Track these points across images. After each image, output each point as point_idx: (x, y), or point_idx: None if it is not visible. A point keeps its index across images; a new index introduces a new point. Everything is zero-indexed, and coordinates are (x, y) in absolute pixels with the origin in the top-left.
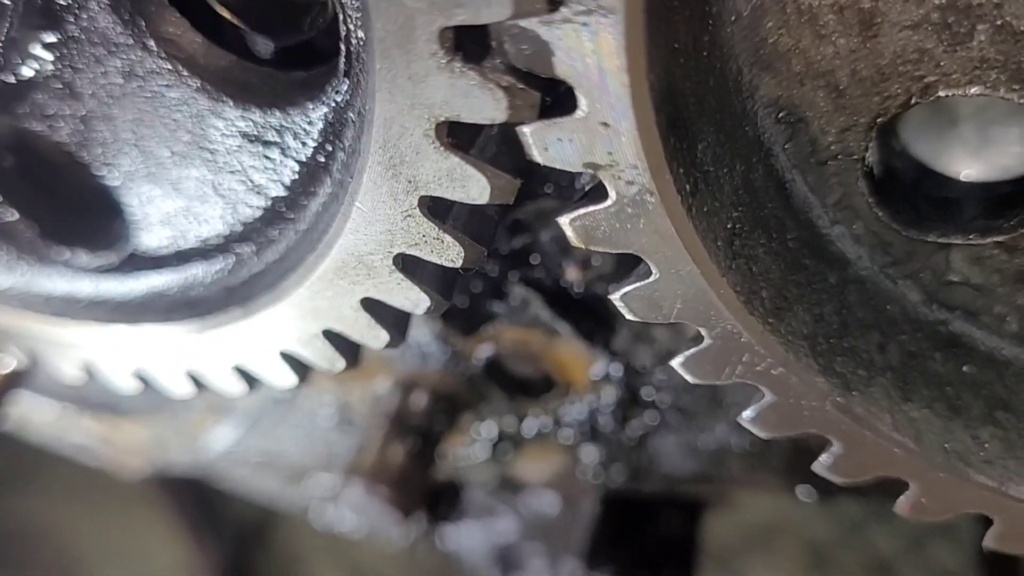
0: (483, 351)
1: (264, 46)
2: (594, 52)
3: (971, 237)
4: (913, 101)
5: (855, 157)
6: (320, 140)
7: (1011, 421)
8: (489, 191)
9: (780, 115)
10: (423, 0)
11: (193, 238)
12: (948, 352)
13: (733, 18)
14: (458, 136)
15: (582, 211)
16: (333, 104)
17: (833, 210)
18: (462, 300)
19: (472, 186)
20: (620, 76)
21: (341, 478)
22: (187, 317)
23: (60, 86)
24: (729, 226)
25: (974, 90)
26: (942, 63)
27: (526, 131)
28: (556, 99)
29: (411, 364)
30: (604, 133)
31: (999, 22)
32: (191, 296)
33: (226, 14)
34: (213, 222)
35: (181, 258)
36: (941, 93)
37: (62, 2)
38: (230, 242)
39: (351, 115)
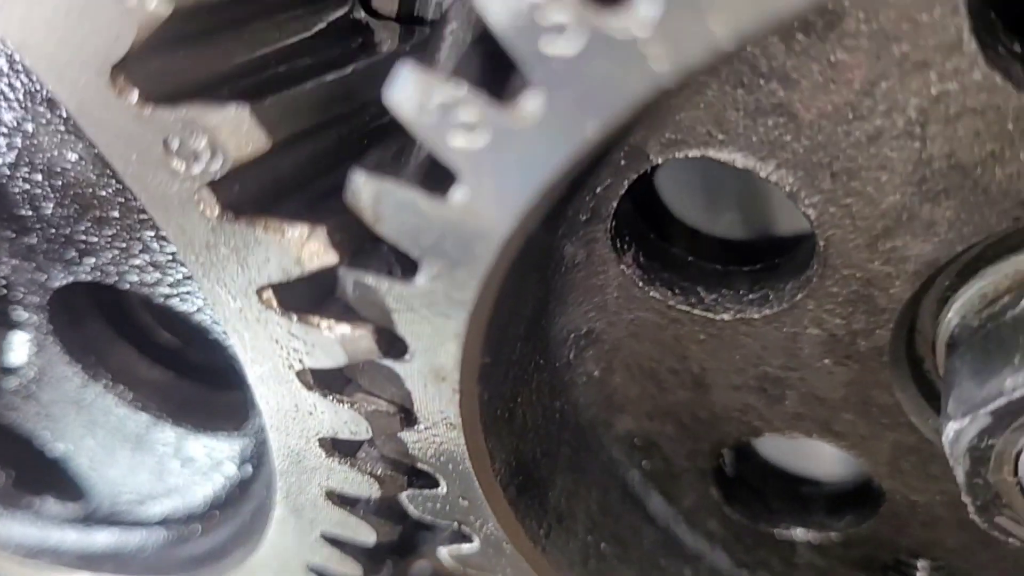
0: (418, 569)
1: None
2: (446, 450)
3: (811, 532)
4: (744, 439)
5: (705, 470)
6: (242, 459)
7: None
8: (375, 536)
9: (635, 442)
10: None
11: (142, 511)
12: None
13: (584, 379)
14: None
15: (454, 549)
16: (252, 434)
17: (688, 513)
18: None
19: (362, 533)
20: (469, 469)
21: None
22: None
23: (26, 395)
24: (585, 548)
25: (794, 434)
26: (764, 414)
27: (405, 499)
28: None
29: None
30: (464, 503)
31: (804, 390)
32: (143, 557)
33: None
34: (162, 502)
35: (133, 522)
36: (767, 434)
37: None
38: (172, 522)
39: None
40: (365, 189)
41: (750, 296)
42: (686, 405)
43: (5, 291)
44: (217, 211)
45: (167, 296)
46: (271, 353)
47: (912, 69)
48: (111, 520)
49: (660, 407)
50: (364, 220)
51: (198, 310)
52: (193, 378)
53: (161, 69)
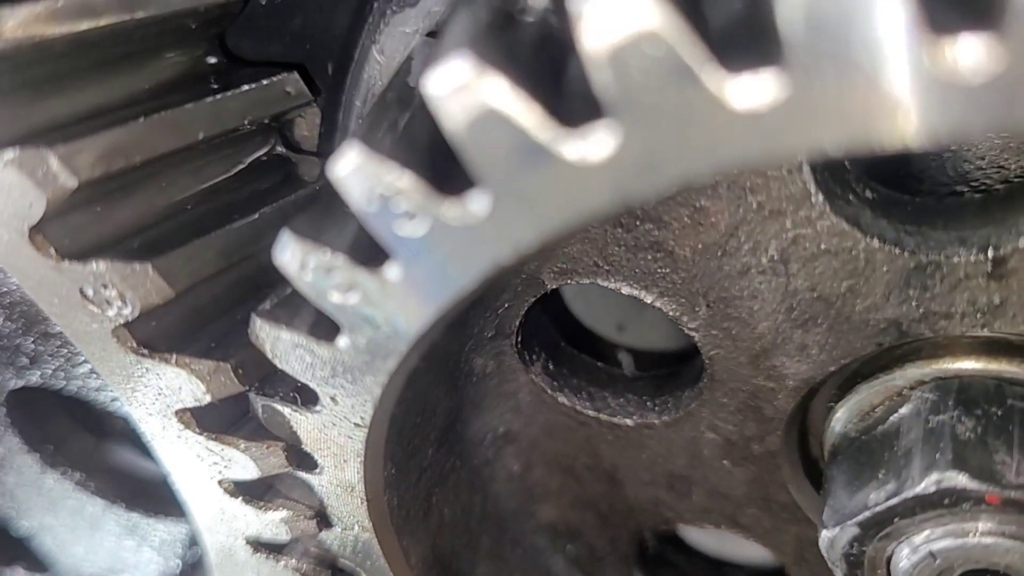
0: None
1: None
2: (363, 548)
3: None
4: (661, 527)
5: (628, 554)
6: (191, 542)
7: None
8: None
9: (557, 529)
10: None
11: None
12: None
13: (505, 474)
14: None
15: None
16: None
17: None
18: None
19: None
20: (384, 565)
21: None
22: None
23: None
24: None
25: (704, 526)
26: (674, 507)
27: None
28: None
29: None
30: None
31: (708, 487)
32: None
33: None
34: None
35: None
36: (679, 525)
37: None
38: None
39: None
40: (263, 333)
41: (651, 403)
42: (603, 497)
43: None
44: (132, 347)
45: (111, 400)
46: (194, 465)
47: (769, 216)
48: None
49: (579, 498)
50: (265, 356)
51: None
52: (145, 466)
53: (75, 227)
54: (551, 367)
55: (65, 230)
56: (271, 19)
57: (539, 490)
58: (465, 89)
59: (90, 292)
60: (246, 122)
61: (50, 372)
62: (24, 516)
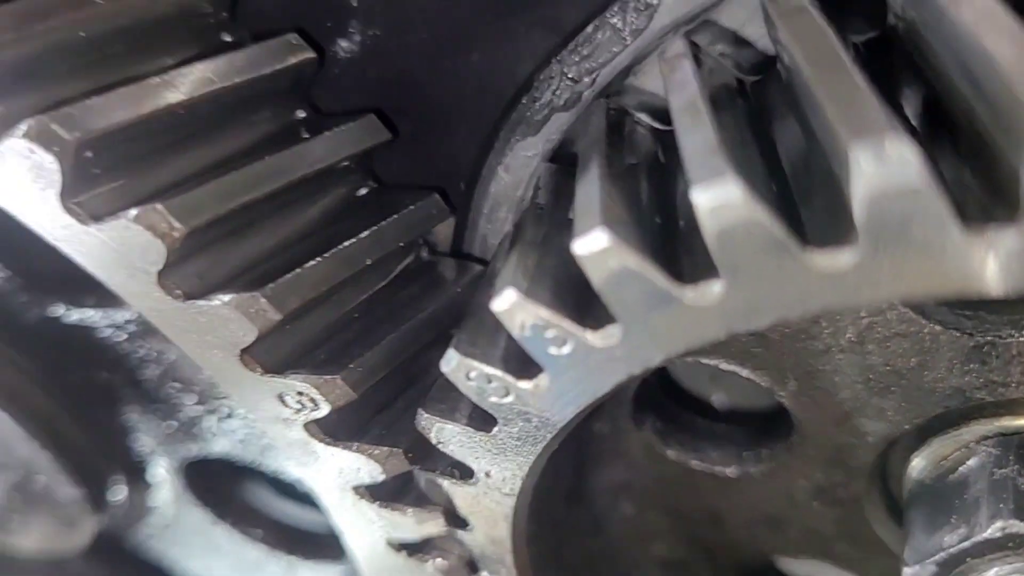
0: None
1: None
2: None
3: None
4: (761, 560)
5: None
6: None
7: None
8: None
9: (668, 564)
10: None
11: None
12: None
13: (620, 518)
14: None
15: None
16: None
17: None
18: None
19: None
20: None
21: None
22: None
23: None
24: None
25: (801, 558)
26: (773, 543)
27: None
28: None
29: None
30: None
31: (802, 526)
32: None
33: None
34: None
35: None
36: (778, 557)
37: None
38: None
39: None
40: (429, 424)
41: (748, 455)
42: (707, 535)
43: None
44: (320, 438)
45: (281, 468)
46: (364, 527)
47: (846, 307)
48: None
49: (686, 536)
50: (431, 442)
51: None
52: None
53: (275, 347)
54: (660, 426)
55: (267, 350)
56: (417, 147)
57: (651, 530)
58: (604, 255)
59: (287, 399)
60: (400, 244)
61: (231, 446)
62: (189, 561)
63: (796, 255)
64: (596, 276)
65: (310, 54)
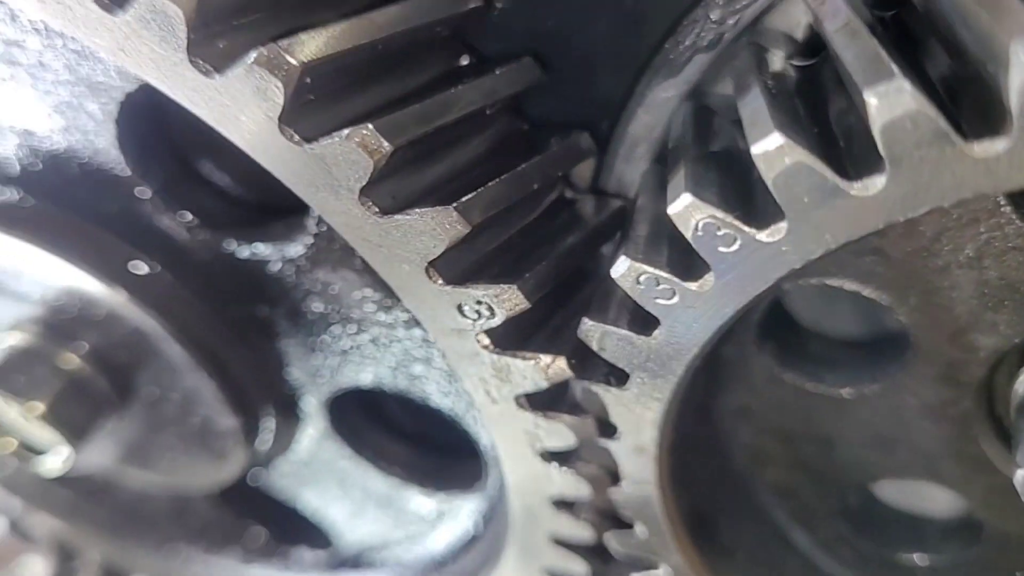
0: None
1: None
2: (643, 502)
3: (927, 557)
4: (866, 483)
5: (836, 508)
6: (474, 515)
7: None
8: (586, 569)
9: (778, 488)
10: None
11: (381, 556)
12: None
13: (738, 442)
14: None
15: (644, 574)
16: (483, 495)
17: (824, 544)
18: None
19: (576, 567)
20: (659, 515)
21: None
22: None
23: (296, 468)
24: (745, 574)
25: (905, 479)
26: (880, 464)
27: (610, 539)
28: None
29: None
30: (654, 541)
31: (910, 445)
32: None
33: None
34: (401, 548)
35: (374, 565)
36: (884, 479)
37: None
38: (407, 566)
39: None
40: (593, 332)
41: (863, 376)
42: (817, 458)
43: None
44: (488, 348)
45: (427, 395)
46: (519, 438)
47: (966, 224)
48: (355, 564)
49: (797, 460)
50: (591, 348)
51: (450, 406)
52: (431, 451)
53: (457, 261)
54: (779, 351)
55: (449, 263)
56: (566, 89)
57: (764, 455)
58: (780, 153)
59: (465, 308)
60: (558, 174)
61: (382, 376)
62: (316, 498)
63: (956, 144)
64: (771, 173)
65: (478, 2)
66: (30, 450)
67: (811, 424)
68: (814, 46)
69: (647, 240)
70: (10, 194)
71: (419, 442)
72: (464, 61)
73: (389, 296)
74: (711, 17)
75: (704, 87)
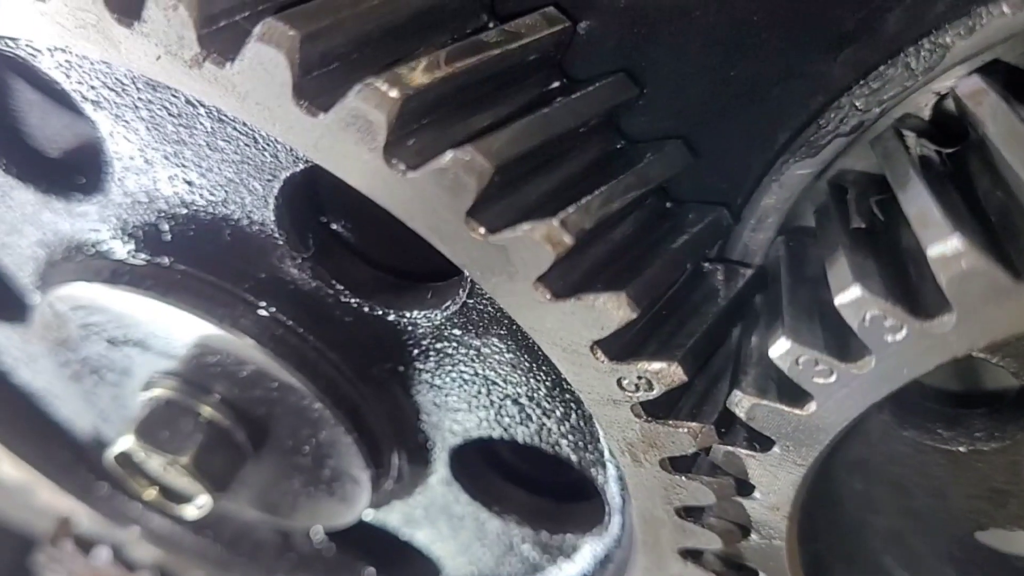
0: None
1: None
2: (768, 554)
3: None
4: (973, 531)
5: (942, 554)
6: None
7: None
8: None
9: (889, 535)
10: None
11: None
12: None
13: (851, 492)
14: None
15: None
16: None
17: None
18: None
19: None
20: (785, 566)
21: None
22: None
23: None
24: None
25: (1014, 529)
26: (991, 515)
27: None
28: None
29: None
30: None
31: (1022, 498)
32: None
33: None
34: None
35: None
36: (991, 529)
37: None
38: None
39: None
40: (743, 404)
41: (979, 434)
42: (928, 508)
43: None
44: (644, 419)
45: (560, 450)
46: (657, 494)
47: None
48: None
49: (908, 509)
50: (739, 418)
51: (579, 459)
52: (548, 495)
53: (625, 344)
54: (899, 409)
55: (614, 342)
56: (712, 169)
57: (876, 503)
58: (958, 258)
59: (625, 382)
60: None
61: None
62: (424, 532)
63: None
64: (946, 274)
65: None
66: (171, 498)
67: (924, 476)
68: (955, 133)
69: (800, 319)
70: (162, 260)
71: (535, 487)
72: (617, 145)
73: (534, 361)
74: (856, 105)
75: (834, 161)
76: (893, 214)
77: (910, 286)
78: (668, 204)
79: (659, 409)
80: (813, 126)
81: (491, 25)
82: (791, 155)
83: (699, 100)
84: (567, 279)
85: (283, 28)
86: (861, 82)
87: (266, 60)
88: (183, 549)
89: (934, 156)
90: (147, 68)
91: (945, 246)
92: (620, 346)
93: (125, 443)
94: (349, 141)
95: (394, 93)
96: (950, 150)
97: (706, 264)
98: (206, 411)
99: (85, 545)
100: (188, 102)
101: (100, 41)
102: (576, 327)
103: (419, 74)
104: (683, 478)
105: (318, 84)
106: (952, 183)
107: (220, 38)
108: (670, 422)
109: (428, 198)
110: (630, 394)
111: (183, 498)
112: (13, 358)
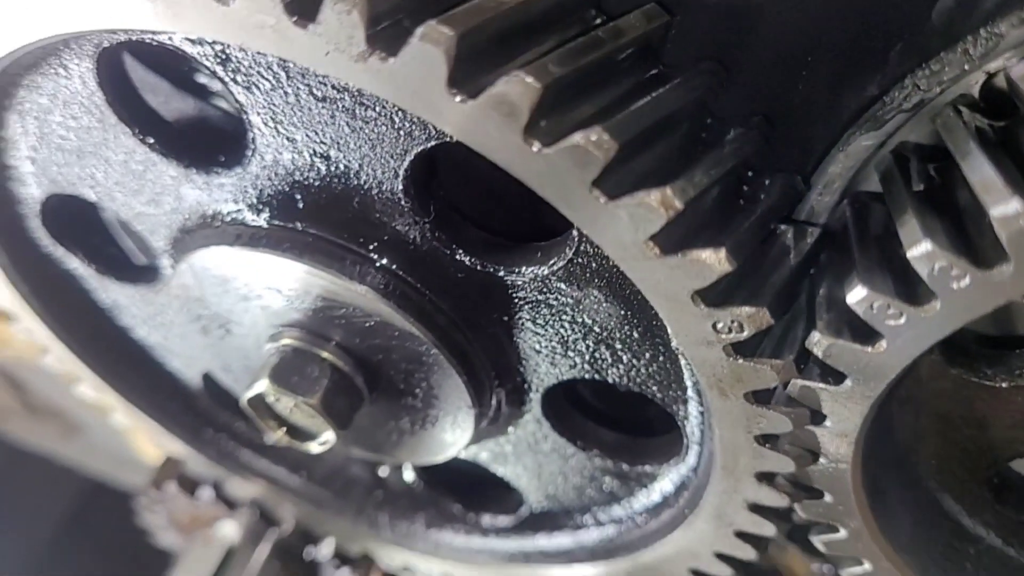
0: None
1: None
2: (836, 476)
3: None
4: (1010, 459)
5: (981, 479)
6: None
7: None
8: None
9: (932, 463)
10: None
11: (573, 521)
12: None
13: (902, 423)
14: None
15: (826, 538)
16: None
17: (970, 509)
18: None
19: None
20: (849, 487)
21: None
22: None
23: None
24: (907, 535)
25: None
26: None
27: (799, 507)
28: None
29: None
30: (840, 508)
31: None
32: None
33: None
34: (594, 513)
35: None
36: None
37: None
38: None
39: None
40: (822, 343)
41: (1019, 371)
42: (970, 438)
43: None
44: (733, 358)
45: (648, 389)
46: (739, 426)
47: None
48: (541, 527)
49: (951, 439)
50: (814, 356)
51: (664, 396)
52: (621, 431)
53: (721, 292)
54: (947, 349)
55: (712, 290)
56: (787, 139)
57: (922, 433)
58: (1018, 216)
59: (719, 325)
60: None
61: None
62: (511, 468)
63: None
64: (1007, 232)
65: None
66: (299, 436)
67: (968, 409)
68: (1003, 108)
69: (872, 269)
70: (295, 225)
71: (614, 424)
72: (707, 121)
73: (628, 309)
74: (919, 85)
75: (894, 134)
76: (949, 179)
77: (970, 240)
78: (750, 173)
79: (746, 349)
80: (879, 103)
81: (599, 21)
82: (857, 128)
83: (778, 83)
84: (674, 238)
85: (442, 28)
86: (923, 66)
87: (426, 56)
88: (280, 487)
89: (987, 129)
90: (315, 62)
91: (1007, 207)
92: (716, 294)
93: (260, 386)
94: (493, 124)
95: (536, 83)
96: (1001, 123)
97: (780, 225)
98: (329, 358)
99: (189, 486)
100: (335, 87)
101: (275, 40)
102: (680, 279)
103: (553, 66)
104: (764, 409)
105: (467, 75)
106: (1005, 152)
107: (383, 36)
108: (757, 360)
109: (559, 171)
110: (724, 336)
111: (308, 436)
112: (132, 316)
